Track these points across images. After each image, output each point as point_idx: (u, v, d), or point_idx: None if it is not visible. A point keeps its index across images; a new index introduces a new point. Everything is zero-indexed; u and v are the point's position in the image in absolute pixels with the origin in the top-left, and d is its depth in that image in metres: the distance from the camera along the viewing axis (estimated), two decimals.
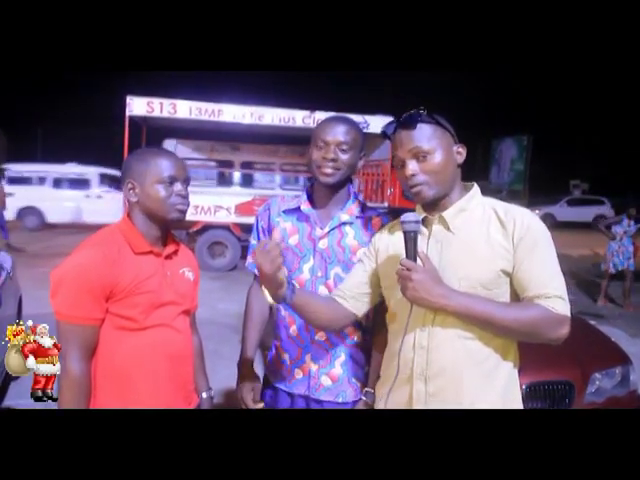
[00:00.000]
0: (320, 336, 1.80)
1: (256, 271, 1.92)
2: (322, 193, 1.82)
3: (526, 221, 1.39)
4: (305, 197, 1.86)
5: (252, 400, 1.82)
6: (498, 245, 1.39)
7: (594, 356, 3.11)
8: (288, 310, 1.83)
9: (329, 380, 1.81)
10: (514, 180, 18.54)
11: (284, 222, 1.85)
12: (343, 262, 1.78)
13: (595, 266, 11.28)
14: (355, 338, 1.82)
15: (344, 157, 1.73)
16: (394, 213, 1.74)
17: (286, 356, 1.86)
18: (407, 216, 1.39)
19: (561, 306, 1.34)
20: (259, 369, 1.93)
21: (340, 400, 1.81)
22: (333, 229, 1.79)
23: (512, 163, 18.89)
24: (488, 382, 1.40)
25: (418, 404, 1.43)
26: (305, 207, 1.83)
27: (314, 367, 1.81)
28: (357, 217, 1.81)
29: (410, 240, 1.38)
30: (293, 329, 1.83)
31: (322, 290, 1.78)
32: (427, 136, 1.41)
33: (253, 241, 1.94)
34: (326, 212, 1.82)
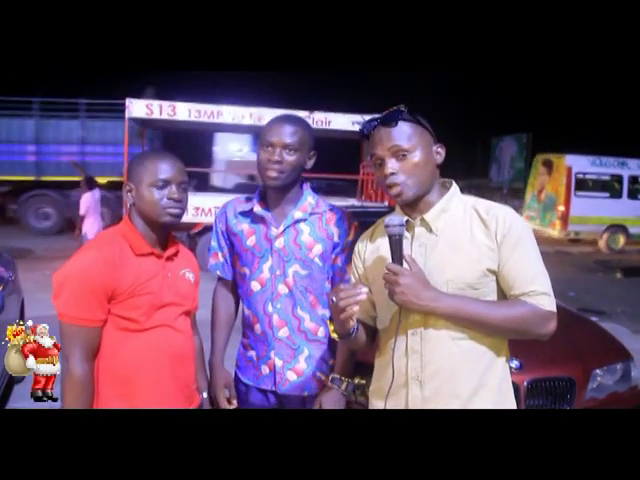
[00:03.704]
0: (283, 333, 1.83)
1: (218, 272, 1.96)
2: (273, 194, 1.82)
3: (508, 219, 1.38)
4: (257, 199, 1.86)
5: (225, 399, 1.85)
6: (482, 244, 1.38)
7: (595, 352, 3.10)
8: (251, 309, 1.86)
9: (294, 375, 1.84)
10: (514, 178, 18.52)
11: (240, 224, 1.87)
12: (300, 259, 1.80)
13: (597, 263, 11.27)
14: (318, 334, 1.85)
15: (290, 159, 1.73)
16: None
17: (253, 353, 1.89)
18: (391, 219, 1.37)
19: (547, 302, 1.36)
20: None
21: (306, 394, 1.84)
22: (288, 227, 1.80)
23: (512, 161, 18.87)
24: (483, 380, 1.40)
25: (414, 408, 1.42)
26: (258, 209, 1.84)
27: (279, 363, 1.84)
28: (311, 214, 1.82)
29: (395, 244, 1.36)
30: (257, 327, 1.85)
31: (282, 288, 1.81)
32: (407, 134, 1.39)
33: (213, 243, 1.96)
34: (280, 211, 1.83)
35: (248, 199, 1.90)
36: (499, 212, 1.40)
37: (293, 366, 1.84)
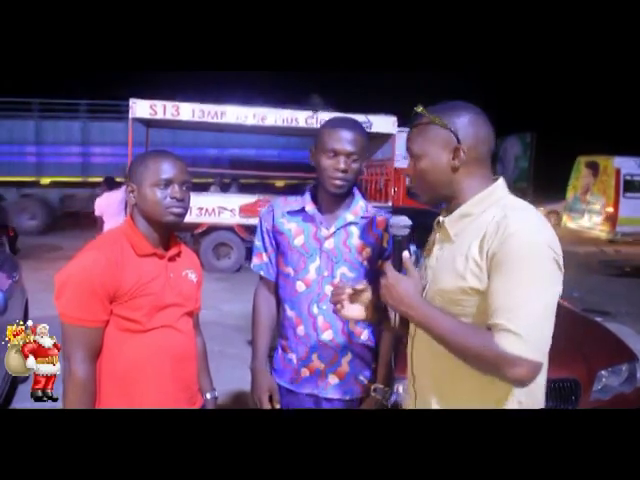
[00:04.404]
0: (327, 335, 1.81)
1: (262, 273, 1.94)
2: (328, 197, 1.82)
3: (507, 234, 1.17)
4: (309, 198, 1.86)
5: (269, 403, 1.84)
6: (471, 259, 1.22)
7: (600, 353, 3.09)
8: (295, 310, 1.85)
9: (336, 378, 1.83)
10: (518, 177, 18.48)
11: (288, 223, 1.86)
12: (349, 262, 1.80)
13: (602, 263, 11.22)
14: (362, 337, 1.83)
15: (354, 166, 1.74)
16: (398, 213, 1.73)
17: (293, 355, 1.87)
18: (395, 220, 1.35)
19: (510, 344, 1.11)
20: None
21: (347, 398, 1.83)
22: (339, 229, 1.81)
23: (516, 160, 18.84)
24: (471, 401, 1.27)
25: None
26: (310, 208, 1.84)
27: (321, 366, 1.83)
28: (362, 217, 1.83)
29: (396, 244, 1.34)
30: (300, 329, 1.84)
31: (328, 289, 1.79)
32: (420, 138, 1.33)
33: (257, 242, 1.95)
34: (331, 213, 1.83)
35: (297, 198, 1.90)
36: (504, 224, 1.19)
37: (335, 369, 1.83)
